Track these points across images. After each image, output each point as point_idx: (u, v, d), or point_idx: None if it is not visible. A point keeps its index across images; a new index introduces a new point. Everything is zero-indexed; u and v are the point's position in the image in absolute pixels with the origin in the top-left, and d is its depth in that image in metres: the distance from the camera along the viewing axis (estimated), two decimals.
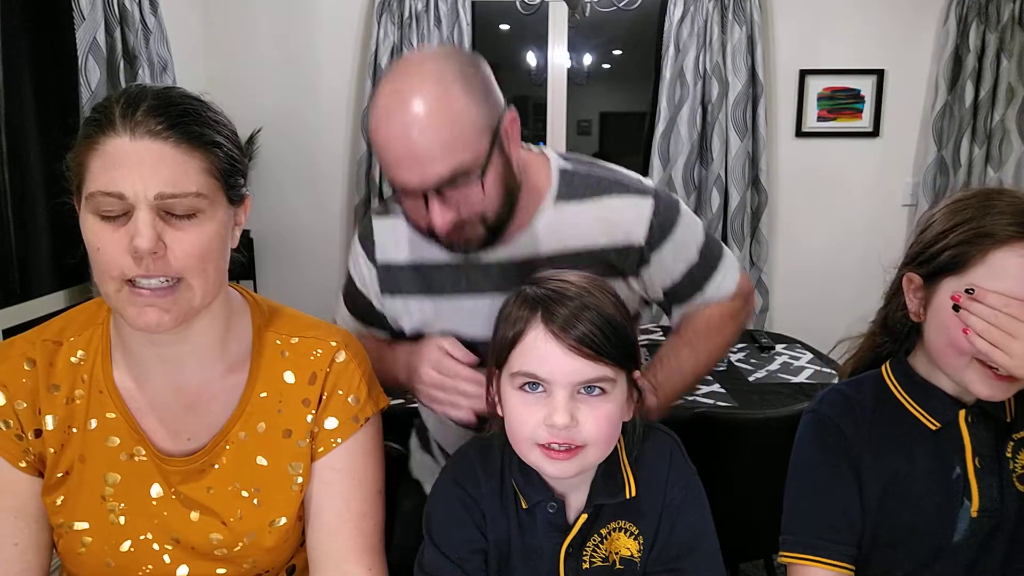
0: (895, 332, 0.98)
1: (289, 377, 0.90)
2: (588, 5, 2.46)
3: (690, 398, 1.98)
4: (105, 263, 0.75)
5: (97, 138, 0.74)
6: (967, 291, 0.83)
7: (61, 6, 2.04)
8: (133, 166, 0.73)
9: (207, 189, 0.77)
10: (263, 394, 0.89)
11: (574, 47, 3.22)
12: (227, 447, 0.87)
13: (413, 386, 1.09)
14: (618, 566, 0.87)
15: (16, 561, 0.84)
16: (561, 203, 1.08)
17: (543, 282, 0.84)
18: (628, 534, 0.88)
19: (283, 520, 0.88)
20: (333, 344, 0.92)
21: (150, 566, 0.86)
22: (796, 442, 0.97)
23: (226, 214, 0.81)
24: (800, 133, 3.01)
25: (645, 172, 3.03)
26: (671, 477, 0.89)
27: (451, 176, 0.92)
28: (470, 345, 1.06)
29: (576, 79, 3.63)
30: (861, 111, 2.99)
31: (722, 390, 2.05)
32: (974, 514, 0.89)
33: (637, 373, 0.85)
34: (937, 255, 0.87)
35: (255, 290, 2.62)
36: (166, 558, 0.86)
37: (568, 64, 3.13)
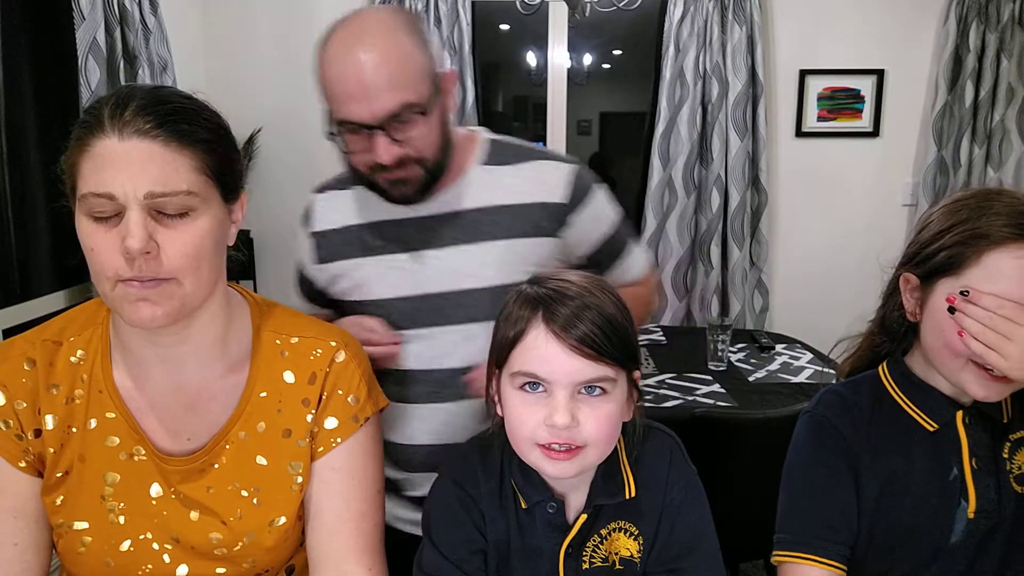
0: (892, 332, 0.98)
1: (289, 377, 0.90)
2: (588, 5, 2.46)
3: (690, 398, 1.99)
4: (100, 264, 0.75)
5: (87, 140, 0.74)
6: (962, 293, 0.83)
7: (61, 6, 2.04)
8: (122, 166, 0.73)
9: (199, 187, 0.77)
10: (263, 394, 0.89)
11: (574, 47, 3.22)
12: (227, 447, 0.87)
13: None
14: (618, 566, 0.87)
15: (16, 561, 0.84)
16: (488, 166, 1.17)
17: (543, 282, 0.84)
18: (628, 534, 0.88)
19: (283, 520, 0.88)
20: (333, 344, 0.92)
21: (150, 566, 0.86)
22: (792, 443, 0.97)
23: (220, 212, 0.81)
24: (800, 133, 3.01)
25: (645, 172, 3.03)
26: (671, 477, 0.89)
27: (398, 110, 1.00)
28: (408, 301, 1.13)
29: (576, 79, 3.63)
30: (861, 111, 2.99)
31: (722, 390, 2.06)
32: (971, 515, 0.88)
33: (637, 373, 0.85)
34: (933, 255, 0.87)
35: (255, 290, 2.62)
36: (166, 558, 0.86)
37: (568, 64, 3.13)
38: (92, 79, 2.03)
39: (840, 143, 3.03)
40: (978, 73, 2.85)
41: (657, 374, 2.20)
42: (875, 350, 1.01)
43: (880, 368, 0.97)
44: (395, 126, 1.02)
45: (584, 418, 0.79)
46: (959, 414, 0.90)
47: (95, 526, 0.85)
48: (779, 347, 2.48)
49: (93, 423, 0.85)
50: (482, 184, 1.15)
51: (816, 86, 2.97)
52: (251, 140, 2.91)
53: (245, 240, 2.92)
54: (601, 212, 1.21)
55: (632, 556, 0.87)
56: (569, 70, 3.14)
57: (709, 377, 2.17)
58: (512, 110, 5.32)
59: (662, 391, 2.05)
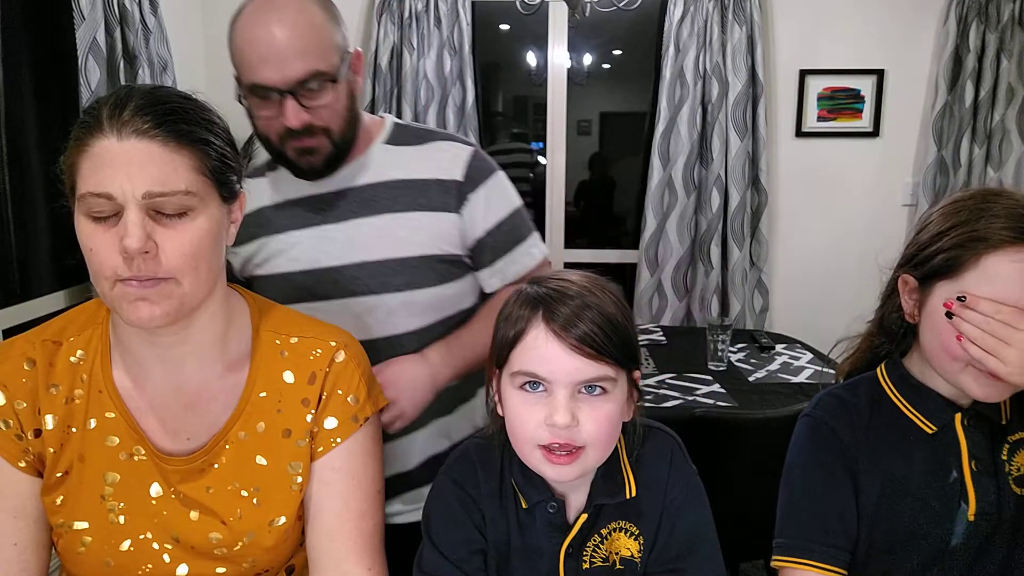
0: (891, 333, 0.98)
1: (288, 377, 0.90)
2: (588, 5, 2.46)
3: (690, 398, 1.99)
4: (98, 264, 0.75)
5: (86, 140, 0.74)
6: (959, 298, 0.83)
7: (61, 6, 2.03)
8: (121, 166, 0.73)
9: (197, 187, 0.77)
10: (262, 394, 0.89)
11: (574, 47, 3.22)
12: (226, 447, 0.87)
13: None
14: (618, 566, 0.87)
15: (15, 561, 0.84)
16: (391, 145, 1.22)
17: (544, 281, 0.84)
18: (628, 534, 0.88)
19: (282, 520, 0.88)
20: (332, 344, 0.92)
21: (149, 565, 0.86)
22: (791, 445, 0.96)
23: (219, 212, 0.81)
24: (800, 133, 3.01)
25: (645, 172, 3.02)
26: (672, 477, 0.89)
27: (307, 76, 1.05)
28: (308, 275, 1.17)
29: (576, 79, 3.62)
30: (861, 111, 2.99)
31: (722, 390, 2.05)
32: (971, 518, 0.88)
33: (637, 373, 0.85)
34: (931, 258, 0.87)
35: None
36: (166, 557, 0.86)
37: (568, 64, 3.13)
38: (92, 79, 2.03)
39: (840, 143, 3.02)
40: (978, 73, 2.85)
41: (657, 374, 2.20)
42: (874, 351, 1.01)
43: (878, 370, 0.97)
44: (304, 92, 1.06)
45: (584, 418, 0.79)
46: (958, 416, 0.90)
47: (95, 526, 0.85)
48: (779, 347, 2.48)
49: (93, 423, 0.85)
50: (383, 161, 1.20)
51: (816, 86, 2.97)
52: (250, 140, 2.90)
53: None
54: (498, 196, 1.23)
55: (632, 556, 0.87)
56: (569, 70, 3.14)
57: (709, 377, 2.17)
58: (512, 110, 5.31)
59: (662, 391, 2.05)
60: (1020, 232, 0.81)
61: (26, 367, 0.85)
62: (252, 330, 0.91)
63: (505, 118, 5.30)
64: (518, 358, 0.81)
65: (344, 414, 0.90)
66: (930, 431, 0.90)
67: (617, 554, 0.87)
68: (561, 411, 0.78)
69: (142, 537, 0.86)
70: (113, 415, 0.86)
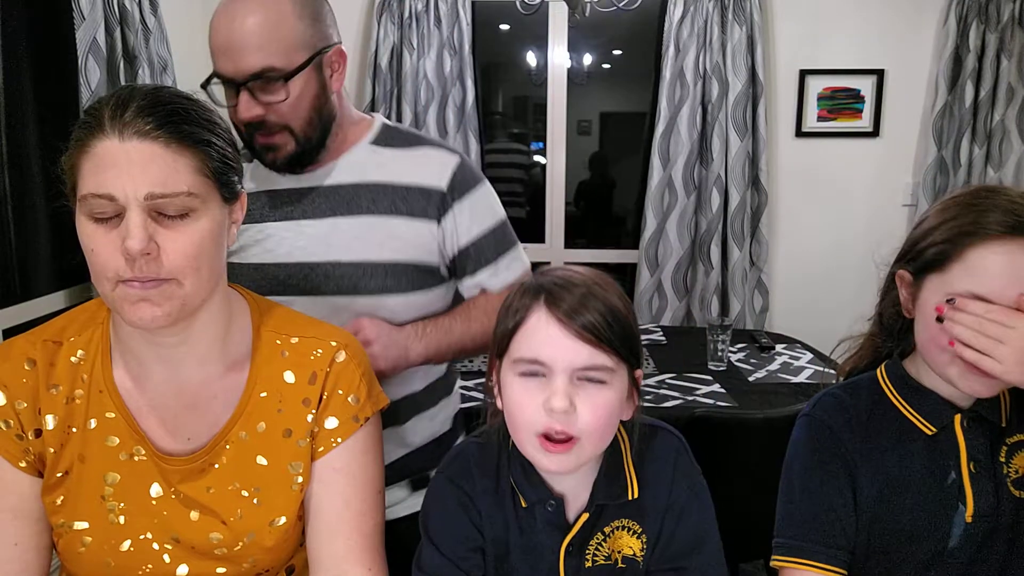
0: (890, 329, 0.98)
1: (289, 377, 0.90)
2: (588, 5, 2.46)
3: (690, 398, 1.99)
4: (100, 265, 0.75)
5: (88, 141, 0.74)
6: (948, 301, 0.83)
7: (61, 6, 2.03)
8: (123, 167, 0.73)
9: (199, 188, 0.77)
10: (263, 394, 0.89)
11: (574, 47, 3.22)
12: (227, 447, 0.87)
13: None
14: (620, 565, 0.87)
15: (16, 561, 0.84)
16: (377, 146, 1.21)
17: (546, 273, 0.84)
18: (631, 533, 0.88)
19: (283, 520, 0.88)
20: (333, 344, 0.92)
21: (150, 565, 0.86)
22: (790, 446, 0.96)
23: (220, 213, 0.81)
24: (800, 133, 3.01)
25: (645, 172, 3.03)
26: (676, 478, 0.89)
27: (259, 72, 1.05)
28: (280, 268, 1.16)
29: (576, 79, 3.63)
30: (861, 111, 2.99)
31: (722, 390, 2.06)
32: (969, 519, 0.88)
33: (639, 373, 0.85)
34: (923, 252, 0.87)
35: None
36: (166, 557, 0.86)
37: (568, 64, 3.13)
38: (92, 79, 2.03)
39: (840, 143, 3.03)
40: (978, 73, 2.85)
41: (657, 374, 2.20)
42: (876, 350, 1.01)
43: (878, 371, 0.97)
44: (257, 86, 1.06)
45: (582, 406, 0.79)
46: (957, 417, 0.90)
47: (95, 526, 0.85)
48: (779, 347, 2.48)
49: (93, 423, 0.85)
50: (366, 161, 1.18)
51: (816, 86, 2.97)
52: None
53: None
54: (483, 207, 1.22)
55: (635, 555, 0.87)
56: (569, 70, 3.14)
57: (709, 377, 2.17)
58: (512, 110, 5.32)
59: (662, 391, 2.05)
60: (1005, 225, 0.81)
61: (26, 367, 0.85)
62: (253, 330, 0.91)
63: (505, 118, 5.31)
64: (518, 344, 0.82)
65: (345, 414, 0.90)
66: (929, 432, 0.90)
67: (619, 553, 0.87)
68: (559, 395, 0.78)
69: (142, 537, 0.86)
70: (113, 415, 0.86)
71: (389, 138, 1.22)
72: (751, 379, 2.16)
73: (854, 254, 3.00)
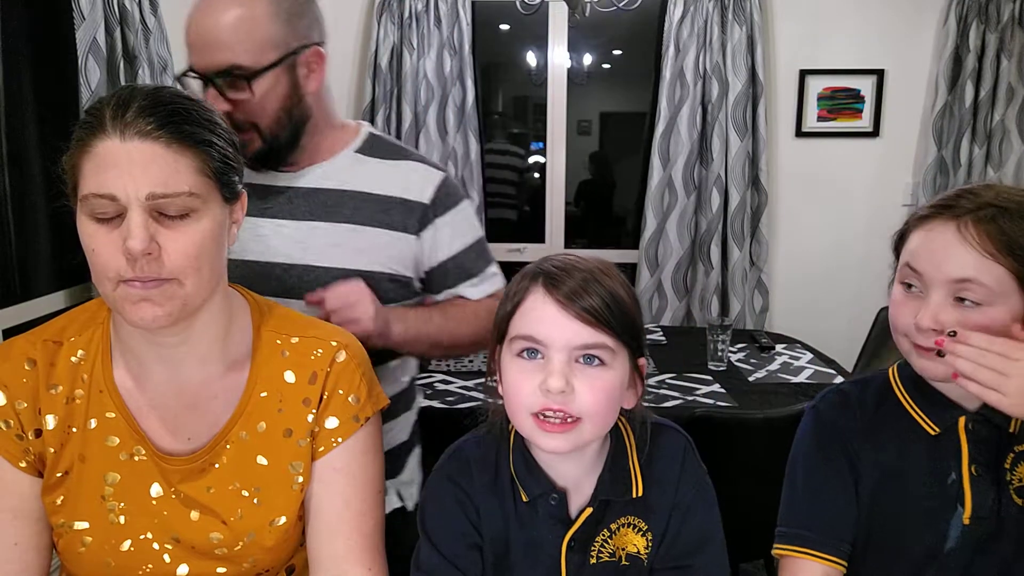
0: None
1: (290, 377, 0.90)
2: (588, 5, 2.46)
3: (690, 398, 1.99)
4: (101, 265, 0.75)
5: (89, 141, 0.74)
6: (950, 334, 0.81)
7: (61, 6, 2.03)
8: (124, 167, 0.73)
9: (200, 188, 0.77)
10: (263, 393, 0.89)
11: (574, 47, 3.22)
12: (227, 446, 0.87)
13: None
14: (624, 562, 0.87)
15: (16, 561, 0.84)
16: (361, 155, 1.21)
17: (547, 259, 0.85)
18: (637, 530, 0.88)
19: (283, 520, 0.88)
20: (334, 344, 0.92)
21: (150, 565, 0.86)
22: (796, 437, 0.98)
23: (221, 213, 0.81)
24: (800, 133, 3.01)
25: (645, 172, 3.03)
26: (683, 477, 0.89)
27: (224, 69, 1.06)
28: (256, 266, 1.15)
29: (576, 79, 3.62)
30: (861, 111, 2.99)
31: (722, 390, 2.06)
32: (966, 521, 0.88)
33: (642, 361, 0.85)
34: (897, 243, 0.93)
35: None
36: (166, 557, 0.86)
37: (568, 64, 3.13)
38: (92, 79, 2.02)
39: (840, 143, 3.03)
40: (978, 73, 2.85)
41: (657, 374, 2.20)
42: None
43: (891, 369, 0.97)
44: (225, 83, 1.07)
45: (580, 387, 0.78)
46: (962, 419, 0.89)
47: (95, 526, 0.85)
48: (779, 347, 2.48)
49: (93, 423, 0.85)
50: (350, 169, 1.18)
51: (816, 86, 2.97)
52: None
53: None
54: (464, 224, 1.23)
55: (639, 552, 0.87)
56: (569, 70, 3.14)
57: (709, 377, 2.18)
58: (512, 110, 5.32)
59: (662, 391, 2.05)
60: (938, 208, 0.85)
61: (27, 367, 0.85)
62: (253, 330, 0.91)
63: (505, 118, 5.30)
64: (516, 324, 0.82)
65: (345, 414, 0.90)
66: (933, 432, 0.90)
67: (624, 550, 0.87)
68: (556, 375, 0.78)
69: (142, 537, 0.86)
70: (114, 415, 0.86)
71: (375, 149, 1.22)
72: (751, 379, 2.16)
73: (854, 254, 3.01)
